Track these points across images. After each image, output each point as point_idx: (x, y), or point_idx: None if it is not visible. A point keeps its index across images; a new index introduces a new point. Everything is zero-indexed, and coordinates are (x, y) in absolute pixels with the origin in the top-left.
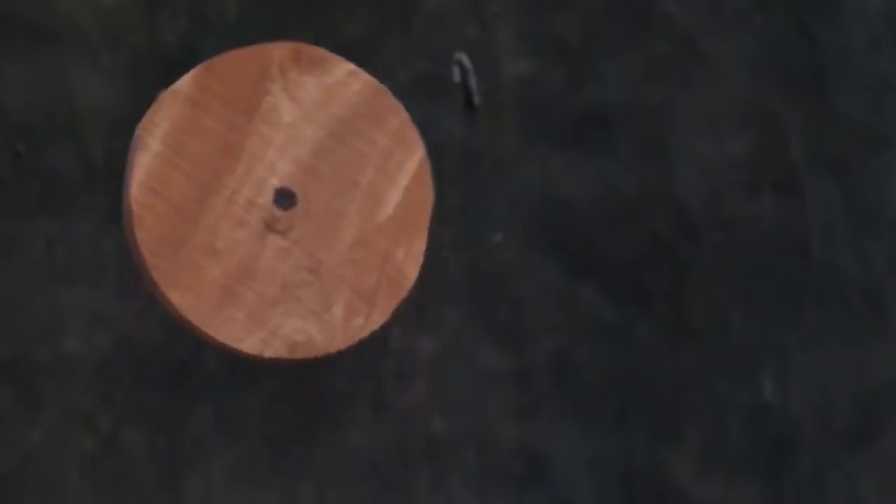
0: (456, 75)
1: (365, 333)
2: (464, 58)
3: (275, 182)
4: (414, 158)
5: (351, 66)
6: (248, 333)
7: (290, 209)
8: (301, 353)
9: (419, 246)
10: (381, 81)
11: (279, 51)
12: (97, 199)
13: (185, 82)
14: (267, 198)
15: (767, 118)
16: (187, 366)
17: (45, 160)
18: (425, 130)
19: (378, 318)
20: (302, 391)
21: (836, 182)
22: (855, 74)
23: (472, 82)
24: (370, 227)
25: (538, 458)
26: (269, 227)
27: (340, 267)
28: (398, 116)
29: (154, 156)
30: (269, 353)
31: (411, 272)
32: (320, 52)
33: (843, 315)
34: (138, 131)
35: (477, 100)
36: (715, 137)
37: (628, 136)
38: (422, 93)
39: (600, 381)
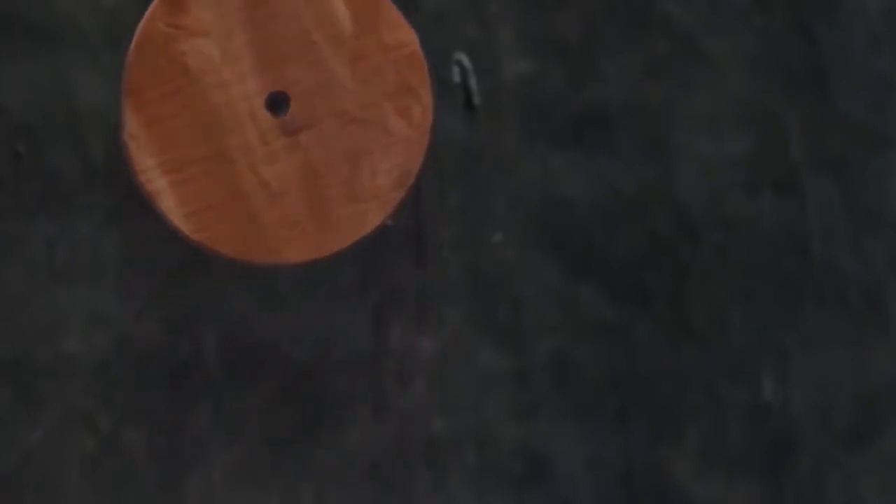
0: (456, 75)
1: (430, 115)
2: (464, 58)
3: (260, 102)
4: None
5: None
6: (363, 217)
7: (290, 105)
8: (408, 179)
9: (394, 14)
10: None
11: (155, 17)
12: (97, 199)
13: (129, 119)
14: (269, 119)
15: (767, 118)
16: (187, 366)
17: (45, 160)
18: None
19: (425, 94)
20: (302, 391)
21: (836, 182)
22: (855, 74)
23: (472, 82)
24: (350, 46)
25: (538, 458)
26: (292, 133)
27: (364, 94)
28: None
29: (169, 190)
30: (390, 209)
31: (411, 38)
32: None
33: (843, 315)
34: (144, 188)
35: (477, 100)
36: (715, 137)
37: (628, 136)
38: None
39: (600, 381)
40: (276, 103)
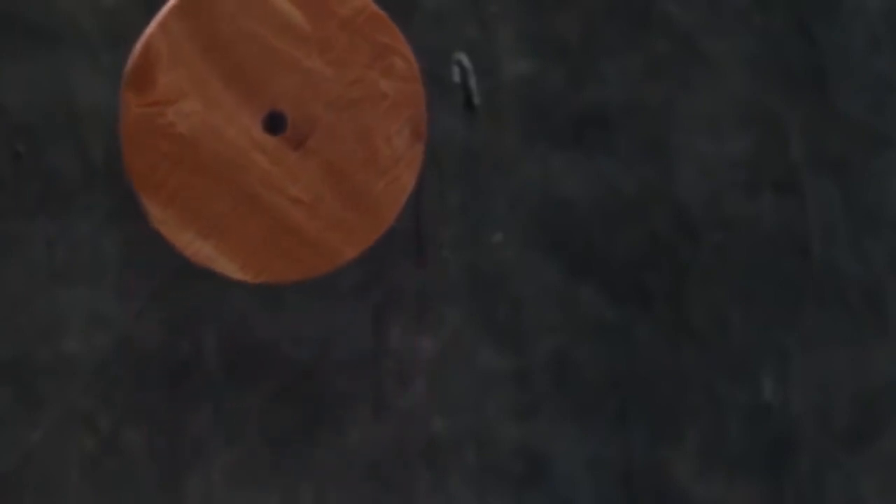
0: (456, 75)
1: (414, 61)
2: (464, 58)
3: (258, 130)
4: None
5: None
6: (397, 183)
7: (287, 119)
8: (421, 129)
9: (367, 4)
10: None
11: (129, 105)
12: (97, 199)
13: (149, 209)
14: (273, 141)
15: (767, 118)
16: (187, 366)
17: (45, 160)
18: None
19: (400, 44)
20: (302, 391)
21: (836, 182)
22: (855, 74)
23: (472, 82)
24: (313, 38)
25: (538, 458)
26: (300, 144)
27: (346, 74)
28: None
29: (216, 252)
30: (418, 165)
31: (363, 1)
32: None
33: (843, 315)
34: (193, 260)
35: (477, 100)
36: (715, 137)
37: (628, 136)
38: None
39: (600, 381)
40: (274, 123)
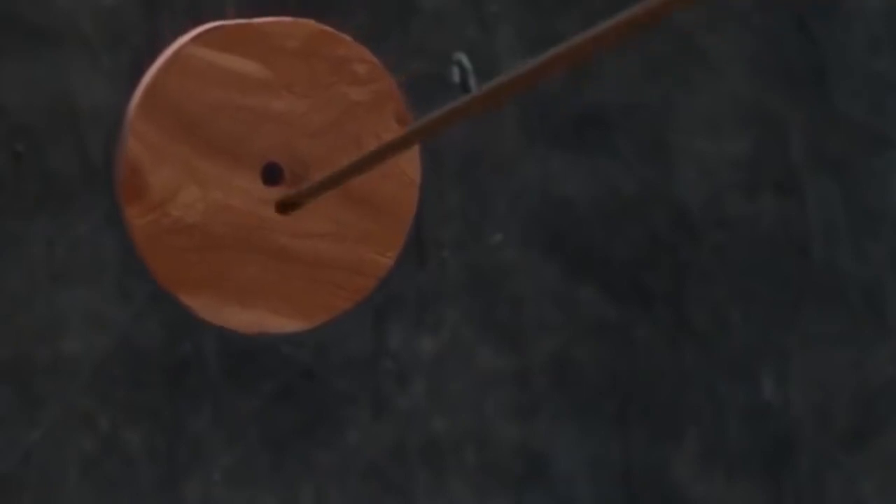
0: (455, 75)
1: (373, 58)
2: (463, 58)
3: (259, 187)
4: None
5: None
6: (405, 176)
7: (282, 166)
8: (405, 115)
9: (274, 26)
10: None
11: (133, 219)
12: (97, 199)
13: (189, 304)
14: (277, 190)
15: (767, 118)
16: (187, 366)
17: (45, 160)
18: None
19: (353, 48)
20: (302, 391)
21: (836, 182)
22: (855, 74)
23: (472, 82)
24: (276, 81)
25: (538, 457)
26: (302, 182)
27: (316, 100)
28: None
29: (265, 316)
30: (417, 148)
31: (303, 26)
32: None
33: (843, 315)
34: (247, 334)
35: None
36: (715, 137)
37: (628, 136)
38: (422, 93)
39: (600, 381)
40: (272, 174)
